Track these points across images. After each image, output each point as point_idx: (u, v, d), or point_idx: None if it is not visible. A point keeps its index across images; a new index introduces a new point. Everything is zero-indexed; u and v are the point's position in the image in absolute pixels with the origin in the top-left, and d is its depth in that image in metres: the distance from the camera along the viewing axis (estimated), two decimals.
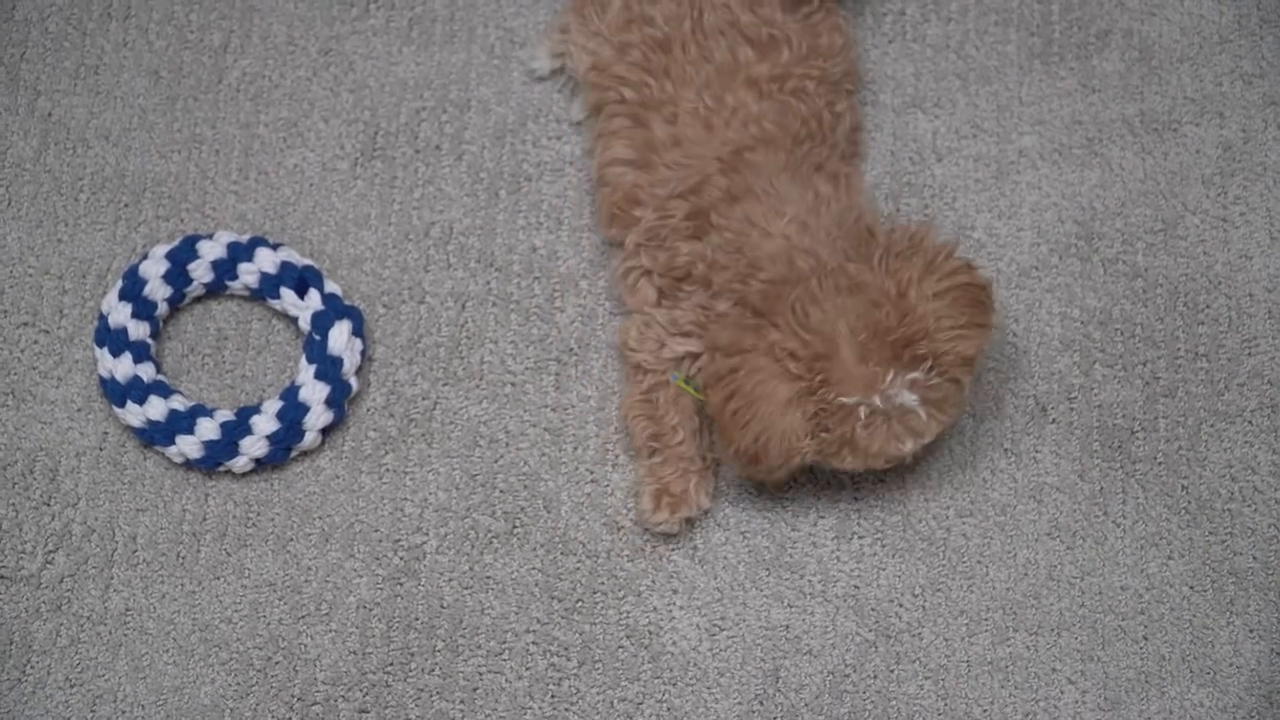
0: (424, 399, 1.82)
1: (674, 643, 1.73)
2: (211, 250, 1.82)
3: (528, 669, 1.72)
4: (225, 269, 1.82)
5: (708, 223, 1.72)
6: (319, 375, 1.77)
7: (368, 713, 1.69)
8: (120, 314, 1.79)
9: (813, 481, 1.80)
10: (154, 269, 1.81)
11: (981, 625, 1.74)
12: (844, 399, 1.62)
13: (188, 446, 1.75)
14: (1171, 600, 1.76)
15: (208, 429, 1.75)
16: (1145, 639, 1.74)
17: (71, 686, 1.70)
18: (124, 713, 1.69)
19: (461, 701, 1.70)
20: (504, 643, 1.73)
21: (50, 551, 1.75)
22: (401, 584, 1.75)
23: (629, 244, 1.77)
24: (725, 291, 1.69)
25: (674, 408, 1.75)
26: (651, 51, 1.80)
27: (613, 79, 1.83)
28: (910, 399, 1.63)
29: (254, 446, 1.76)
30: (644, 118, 1.79)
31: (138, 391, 1.76)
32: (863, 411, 1.62)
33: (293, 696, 1.70)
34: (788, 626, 1.74)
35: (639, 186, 1.78)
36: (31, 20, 1.96)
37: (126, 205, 1.90)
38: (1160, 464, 1.81)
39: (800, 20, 1.86)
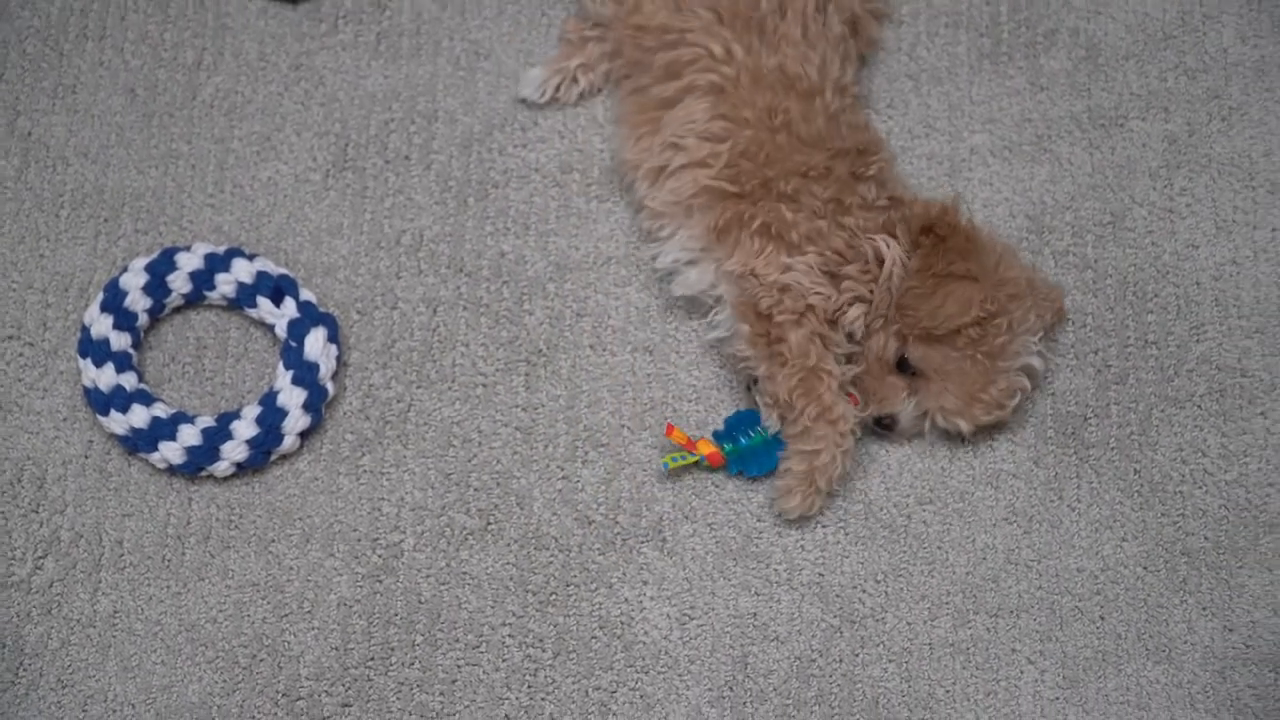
0: (398, 401, 1.82)
1: (645, 632, 1.74)
2: (189, 262, 1.82)
3: (504, 660, 1.72)
4: (203, 280, 1.82)
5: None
6: (296, 381, 1.78)
7: (350, 706, 1.69)
8: (102, 325, 1.79)
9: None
10: (134, 281, 1.81)
11: (943, 609, 1.76)
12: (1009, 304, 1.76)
13: (170, 452, 1.76)
14: (1126, 581, 1.77)
15: (189, 435, 1.76)
16: (1101, 619, 1.75)
17: (63, 688, 1.69)
18: (114, 712, 1.69)
19: (441, 694, 1.70)
20: (481, 636, 1.73)
21: (39, 557, 1.75)
22: (381, 581, 1.75)
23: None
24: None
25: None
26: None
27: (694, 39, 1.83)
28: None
29: (234, 451, 1.76)
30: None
31: (121, 400, 1.77)
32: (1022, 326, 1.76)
33: (278, 692, 1.69)
34: (755, 614, 1.75)
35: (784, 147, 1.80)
36: (9, 42, 1.97)
37: (106, 220, 1.90)
38: (1113, 449, 1.82)
39: None
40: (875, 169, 1.82)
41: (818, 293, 1.76)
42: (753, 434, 1.78)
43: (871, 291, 1.77)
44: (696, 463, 1.79)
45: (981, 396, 1.75)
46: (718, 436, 1.78)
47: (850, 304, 1.77)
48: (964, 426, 1.78)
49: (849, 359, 1.79)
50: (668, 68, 1.86)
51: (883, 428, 1.79)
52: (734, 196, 1.81)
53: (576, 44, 1.95)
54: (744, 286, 1.79)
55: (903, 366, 1.77)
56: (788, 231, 1.78)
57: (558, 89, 1.95)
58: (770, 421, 1.78)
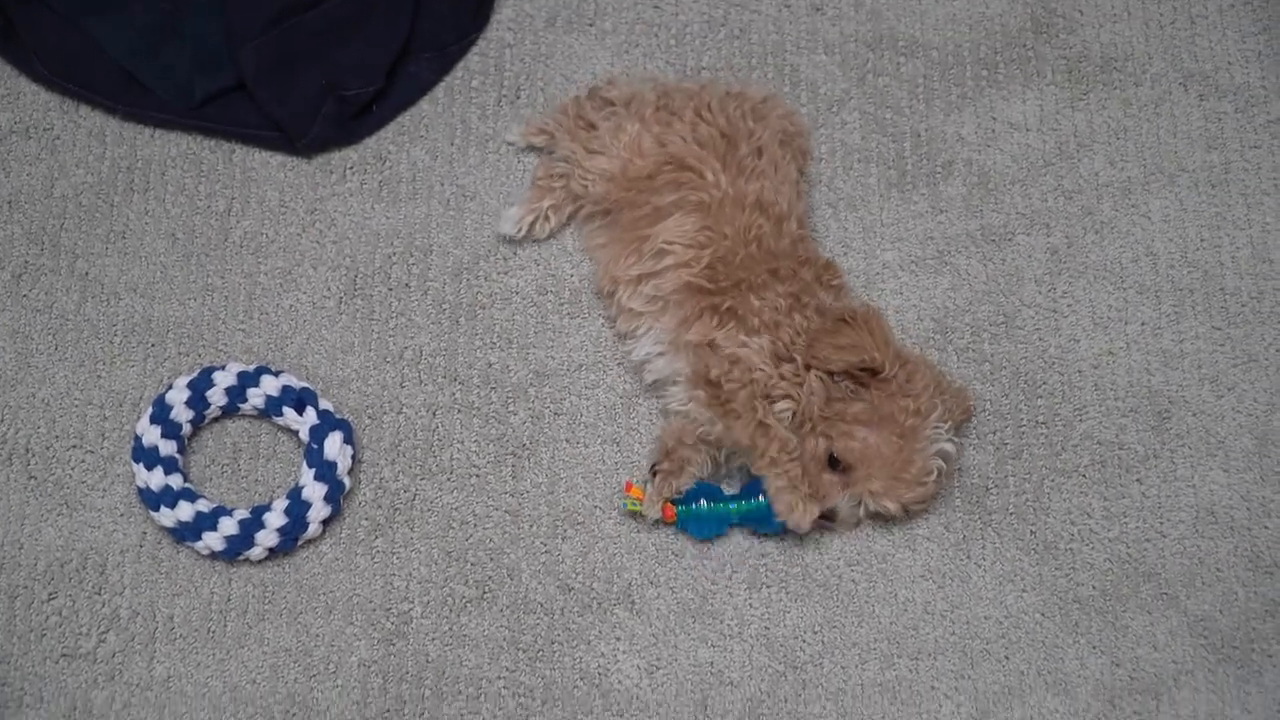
0: (405, 492, 1.89)
1: (619, 682, 1.81)
2: (225, 379, 1.88)
3: (500, 710, 1.80)
4: (236, 394, 1.89)
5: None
6: (318, 477, 1.84)
7: None
8: (152, 434, 1.85)
9: (728, 545, 1.87)
10: (178, 396, 1.87)
11: (871, 654, 1.83)
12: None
13: (212, 541, 1.82)
14: (1026, 625, 1.84)
15: (228, 526, 1.82)
16: (1006, 659, 1.83)
17: None
18: None
19: None
20: (480, 689, 1.81)
21: (103, 632, 1.82)
22: (393, 645, 1.82)
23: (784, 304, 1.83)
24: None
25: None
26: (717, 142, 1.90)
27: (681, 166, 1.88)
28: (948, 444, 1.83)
29: (267, 538, 1.82)
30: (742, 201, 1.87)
31: (169, 498, 1.83)
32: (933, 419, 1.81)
33: None
34: (712, 663, 1.82)
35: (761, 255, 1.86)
36: (68, 196, 2.02)
37: (153, 345, 1.95)
38: (1011, 514, 1.90)
39: None
40: (838, 282, 1.88)
41: (762, 369, 1.80)
42: (709, 504, 1.81)
43: (799, 393, 1.82)
44: None
45: (903, 475, 1.79)
46: (674, 500, 1.82)
47: (781, 397, 1.81)
48: (891, 507, 1.81)
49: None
50: (662, 188, 1.90)
51: (825, 520, 1.83)
52: (707, 292, 1.84)
53: (546, 187, 1.99)
54: (700, 355, 1.82)
55: (833, 464, 1.81)
56: (750, 317, 1.82)
57: (532, 225, 1.99)
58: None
